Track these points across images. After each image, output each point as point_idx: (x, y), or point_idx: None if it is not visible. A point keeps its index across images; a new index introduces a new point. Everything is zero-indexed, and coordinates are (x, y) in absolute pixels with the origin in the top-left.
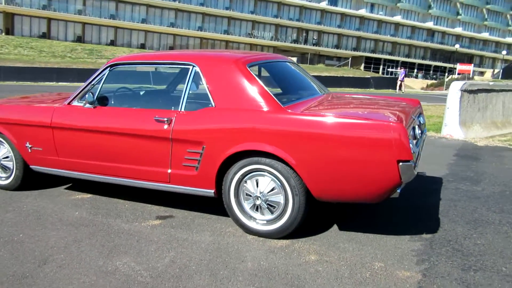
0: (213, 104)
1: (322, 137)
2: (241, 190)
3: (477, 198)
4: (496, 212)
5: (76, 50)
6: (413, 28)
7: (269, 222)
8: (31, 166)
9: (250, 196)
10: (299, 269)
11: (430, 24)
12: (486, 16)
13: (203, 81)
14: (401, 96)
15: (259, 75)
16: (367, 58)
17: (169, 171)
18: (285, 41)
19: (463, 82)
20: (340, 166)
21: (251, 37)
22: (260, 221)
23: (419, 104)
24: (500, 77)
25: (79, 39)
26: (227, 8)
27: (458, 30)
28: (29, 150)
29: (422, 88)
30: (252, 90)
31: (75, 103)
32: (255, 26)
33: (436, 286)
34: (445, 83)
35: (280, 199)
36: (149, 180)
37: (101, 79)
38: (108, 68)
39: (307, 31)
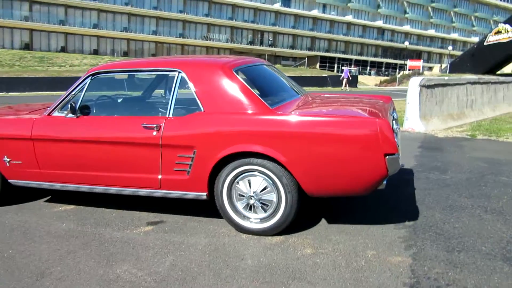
0: (202, 109)
1: (312, 135)
2: (233, 191)
3: (447, 186)
4: (467, 198)
5: (25, 58)
6: (364, 27)
7: (263, 220)
8: (10, 181)
9: (243, 196)
10: (298, 262)
11: (380, 23)
12: (431, 13)
13: (190, 86)
14: (354, 93)
15: (245, 79)
16: (322, 57)
17: (160, 176)
18: (241, 43)
19: (421, 78)
20: (330, 162)
21: (207, 40)
22: (254, 220)
23: (391, 100)
24: (448, 71)
25: (27, 47)
26: (181, 12)
27: (406, 28)
28: (7, 164)
29: (376, 85)
30: (240, 94)
31: (55, 113)
32: (211, 28)
33: (427, 268)
34: (397, 79)
35: (273, 197)
36: (139, 187)
37: (83, 88)
38: (90, 77)
39: (262, 32)
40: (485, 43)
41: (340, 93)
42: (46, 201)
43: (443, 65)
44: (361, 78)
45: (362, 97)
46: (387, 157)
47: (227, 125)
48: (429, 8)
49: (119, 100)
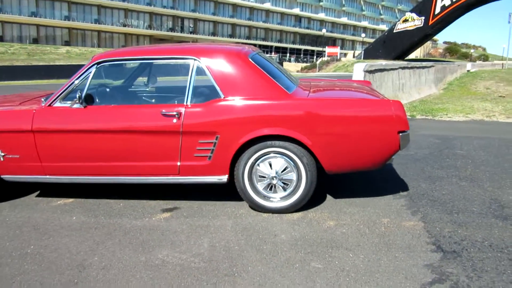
0: (221, 95)
1: (334, 117)
2: (254, 173)
3: (417, 160)
4: (439, 169)
5: None
6: (283, 14)
7: (283, 198)
8: (2, 176)
9: (264, 177)
10: (328, 233)
11: (297, 11)
12: (343, 2)
13: (208, 73)
14: None
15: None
16: (243, 44)
17: (179, 163)
18: (161, 30)
19: (364, 64)
20: (350, 141)
21: (125, 27)
22: (274, 199)
23: (371, 84)
24: (362, 57)
25: None
26: None
27: (322, 15)
28: (1, 159)
29: (297, 71)
30: (259, 80)
31: (57, 104)
32: (128, 14)
33: (438, 228)
34: (317, 65)
35: (293, 176)
36: (157, 175)
37: (87, 77)
38: (95, 65)
39: (182, 19)
40: (394, 31)
41: (327, 79)
42: (38, 196)
43: (357, 52)
44: (284, 64)
45: (349, 82)
46: (400, 134)
47: (250, 111)
48: None
49: (127, 89)
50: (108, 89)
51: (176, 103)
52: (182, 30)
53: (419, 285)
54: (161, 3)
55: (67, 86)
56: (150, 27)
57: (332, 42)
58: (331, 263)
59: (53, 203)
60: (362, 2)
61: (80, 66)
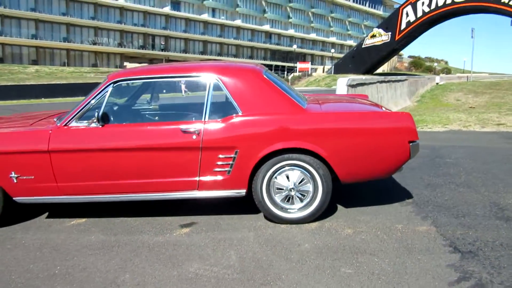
0: (240, 111)
1: (349, 129)
2: (271, 186)
3: (413, 169)
4: (436, 177)
5: None
6: (253, 31)
7: (300, 209)
8: (15, 198)
9: (282, 189)
10: (349, 240)
11: (267, 27)
12: (312, 19)
13: (225, 90)
14: None
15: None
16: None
17: (198, 178)
18: (132, 47)
19: (347, 78)
20: (365, 152)
21: (95, 45)
22: (291, 210)
23: (368, 97)
24: (332, 72)
25: None
26: (64, 14)
27: (291, 32)
28: (15, 181)
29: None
30: (275, 96)
31: (74, 124)
32: (98, 32)
33: (451, 231)
34: (289, 80)
35: (310, 187)
36: (176, 191)
37: (104, 96)
38: (112, 85)
39: (153, 36)
40: (363, 46)
41: (325, 94)
42: (48, 217)
43: (326, 67)
44: None
45: (350, 96)
46: (410, 144)
47: (269, 125)
48: (310, 14)
49: (143, 107)
50: (124, 108)
51: (194, 120)
52: (153, 48)
53: (447, 284)
54: (132, 21)
55: (83, 106)
56: (120, 44)
57: (302, 57)
58: (360, 268)
59: (67, 224)
60: (329, 19)
61: (51, 85)
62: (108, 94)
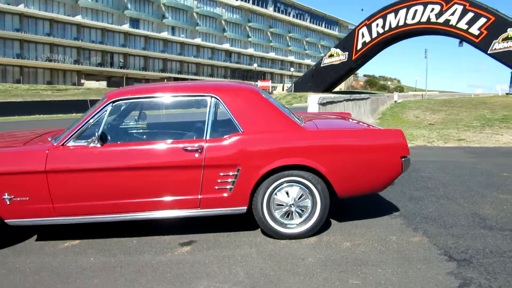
0: (241, 129)
1: (347, 146)
2: (271, 202)
3: (393, 184)
4: (416, 190)
5: None
6: (213, 49)
7: (299, 224)
8: (7, 221)
9: (282, 205)
10: (349, 253)
11: (227, 46)
12: (270, 38)
13: (226, 109)
14: None
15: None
16: (175, 78)
17: (199, 196)
18: (89, 65)
19: (318, 96)
20: (362, 167)
21: (50, 62)
22: (291, 226)
23: (351, 115)
24: (292, 90)
25: None
26: (18, 30)
27: (251, 50)
28: (7, 202)
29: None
30: (274, 114)
31: (71, 143)
32: (54, 49)
33: (442, 241)
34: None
35: (308, 203)
36: (177, 209)
37: (103, 116)
38: (111, 104)
39: (112, 53)
40: (321, 65)
41: (311, 112)
42: (38, 240)
43: (286, 85)
44: None
45: (337, 114)
46: (403, 159)
47: (270, 143)
48: (268, 33)
49: (142, 126)
50: (122, 127)
51: (195, 138)
52: (112, 65)
53: None
54: (89, 38)
55: (81, 125)
56: (77, 61)
57: (262, 76)
58: (366, 279)
59: (60, 246)
60: (288, 38)
61: (6, 103)
62: (107, 113)
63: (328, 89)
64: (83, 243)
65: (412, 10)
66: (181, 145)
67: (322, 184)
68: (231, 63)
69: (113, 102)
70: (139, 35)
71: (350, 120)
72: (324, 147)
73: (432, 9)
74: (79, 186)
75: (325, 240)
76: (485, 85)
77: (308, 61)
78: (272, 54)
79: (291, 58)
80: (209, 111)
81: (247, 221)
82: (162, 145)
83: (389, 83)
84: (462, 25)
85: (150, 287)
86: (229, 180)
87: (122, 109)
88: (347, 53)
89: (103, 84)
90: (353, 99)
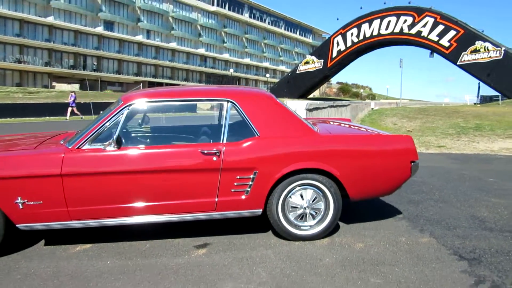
0: (257, 134)
1: (361, 151)
2: (286, 205)
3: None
4: (413, 194)
5: None
6: (188, 54)
7: (312, 227)
8: (18, 225)
9: (296, 208)
10: (364, 253)
11: (202, 51)
12: (246, 44)
13: (243, 114)
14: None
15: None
16: (149, 83)
17: (216, 199)
18: (61, 67)
19: (305, 103)
20: (374, 171)
21: (19, 63)
22: (304, 228)
23: (351, 121)
24: None
25: None
26: None
27: (226, 56)
28: (20, 207)
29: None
30: (289, 119)
31: (87, 146)
32: (24, 50)
33: (450, 241)
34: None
35: (321, 206)
36: (193, 212)
37: (119, 119)
38: (127, 107)
39: (85, 56)
40: (297, 72)
41: (319, 118)
42: (47, 244)
43: None
44: None
45: (341, 120)
46: (412, 163)
47: (286, 147)
48: (244, 39)
49: (159, 129)
50: (138, 130)
51: (212, 142)
52: (84, 68)
53: (469, 286)
54: (61, 40)
55: (97, 128)
56: (48, 64)
57: (237, 81)
58: (386, 278)
59: (72, 250)
60: (262, 44)
61: None
62: (124, 116)
63: (303, 95)
64: (94, 247)
65: (385, 20)
66: (197, 149)
67: (335, 187)
68: (206, 68)
69: (130, 105)
70: (113, 38)
71: (353, 126)
72: (338, 151)
73: (405, 21)
74: (96, 190)
75: (337, 241)
76: (452, 95)
77: (282, 68)
78: (247, 60)
79: (266, 64)
80: (226, 115)
81: (257, 223)
82: (180, 149)
83: (361, 90)
84: (433, 36)
85: None
86: (246, 183)
87: (138, 112)
88: (322, 60)
89: (75, 87)
90: (336, 106)
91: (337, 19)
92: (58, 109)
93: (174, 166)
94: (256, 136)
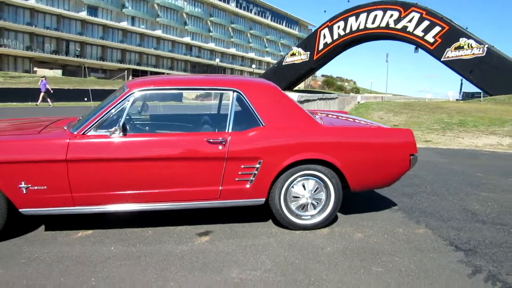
0: (262, 123)
1: (363, 143)
2: (288, 194)
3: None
4: (406, 187)
5: None
6: (174, 42)
7: (313, 216)
8: (21, 210)
9: (298, 197)
10: (364, 243)
11: (187, 39)
12: (232, 34)
13: (249, 104)
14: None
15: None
16: (133, 70)
17: (220, 188)
18: (43, 52)
19: (297, 95)
20: (375, 163)
21: (0, 47)
22: (305, 217)
23: (348, 113)
24: None
25: None
26: None
27: (212, 45)
28: (24, 191)
29: (192, 99)
30: (294, 110)
31: (92, 132)
32: (4, 33)
33: (445, 232)
34: (212, 94)
35: (322, 196)
36: (197, 200)
37: (125, 105)
38: (133, 94)
39: (68, 41)
40: (283, 63)
41: (319, 110)
42: (47, 230)
43: None
44: None
45: (339, 113)
46: (411, 156)
47: (292, 137)
48: (230, 29)
49: (164, 117)
50: (143, 117)
51: (218, 131)
52: (67, 54)
53: (466, 276)
54: (43, 24)
55: (103, 114)
56: (30, 48)
57: (222, 71)
58: (387, 267)
59: (73, 236)
60: (248, 35)
61: None
62: (129, 103)
63: (289, 87)
64: (96, 233)
65: (372, 14)
66: (203, 137)
67: (337, 178)
68: (191, 57)
69: (136, 92)
70: (97, 24)
71: (359, 119)
72: (341, 143)
73: (391, 15)
74: (100, 176)
75: (337, 231)
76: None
77: (268, 59)
78: (233, 50)
79: (251, 55)
80: (231, 105)
81: (257, 212)
82: (186, 137)
83: (346, 84)
84: (419, 32)
85: (183, 275)
86: (251, 172)
87: (144, 99)
88: (308, 52)
89: (58, 72)
90: (325, 98)
91: (324, 11)
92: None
93: (179, 154)
94: (261, 126)
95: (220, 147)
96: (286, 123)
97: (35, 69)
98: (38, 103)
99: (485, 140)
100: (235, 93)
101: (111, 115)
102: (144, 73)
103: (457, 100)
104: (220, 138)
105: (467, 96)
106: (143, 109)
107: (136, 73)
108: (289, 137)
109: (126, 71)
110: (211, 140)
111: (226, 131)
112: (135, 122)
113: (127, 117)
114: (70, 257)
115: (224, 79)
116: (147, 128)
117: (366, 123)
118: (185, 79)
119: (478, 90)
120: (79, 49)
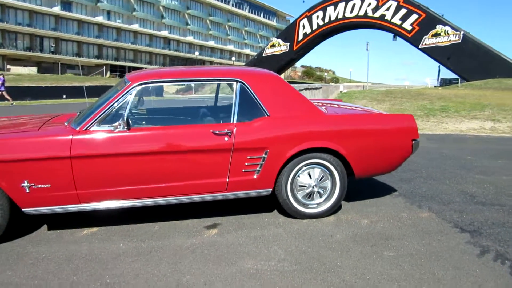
0: (267, 113)
1: (366, 130)
2: (294, 184)
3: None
4: (403, 172)
5: None
6: (151, 36)
7: (319, 205)
8: (24, 209)
9: (305, 186)
10: (371, 229)
11: (165, 33)
12: (210, 26)
13: (253, 94)
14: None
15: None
16: (111, 66)
17: (227, 179)
18: (16, 49)
19: None
20: (378, 149)
21: None
22: (312, 206)
23: (342, 101)
24: None
25: None
26: None
27: (190, 38)
28: (27, 190)
29: (173, 92)
30: (297, 99)
31: (95, 128)
32: None
33: (449, 215)
34: (193, 88)
35: (328, 184)
36: (204, 193)
37: (127, 99)
38: (135, 87)
39: (42, 38)
40: (263, 55)
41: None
42: (51, 229)
43: None
44: None
45: (336, 101)
46: (413, 141)
47: (296, 127)
48: (208, 21)
49: (167, 109)
50: (148, 110)
51: (223, 122)
52: (42, 50)
53: (476, 256)
54: (15, 20)
55: (105, 109)
56: (2, 45)
57: (202, 64)
58: (398, 251)
59: (79, 234)
60: (227, 27)
61: None
62: (132, 96)
63: None
64: (102, 230)
65: (350, 3)
66: (208, 129)
67: (342, 165)
68: (170, 50)
69: (138, 85)
70: (71, 19)
71: (358, 106)
72: (346, 131)
73: (369, 4)
74: (105, 172)
75: (343, 218)
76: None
77: (247, 51)
78: (211, 43)
79: (230, 47)
80: (235, 95)
81: (261, 203)
82: (191, 129)
83: (325, 74)
84: (396, 20)
85: (198, 268)
86: (257, 163)
87: (147, 92)
88: (288, 43)
89: (33, 70)
90: (310, 88)
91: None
92: (19, 92)
93: (185, 146)
94: (266, 116)
95: (226, 138)
96: (290, 113)
97: (8, 67)
98: (13, 103)
99: (468, 125)
100: (239, 84)
101: (114, 110)
102: (122, 68)
103: (435, 86)
104: (226, 129)
105: (444, 83)
106: (139, 103)
107: (114, 69)
108: (294, 126)
109: (104, 67)
110: (217, 132)
111: (232, 122)
112: (136, 116)
113: (132, 111)
114: (79, 256)
115: (227, 70)
116: (151, 122)
117: (365, 110)
118: (189, 71)
119: (455, 76)
120: (54, 45)
